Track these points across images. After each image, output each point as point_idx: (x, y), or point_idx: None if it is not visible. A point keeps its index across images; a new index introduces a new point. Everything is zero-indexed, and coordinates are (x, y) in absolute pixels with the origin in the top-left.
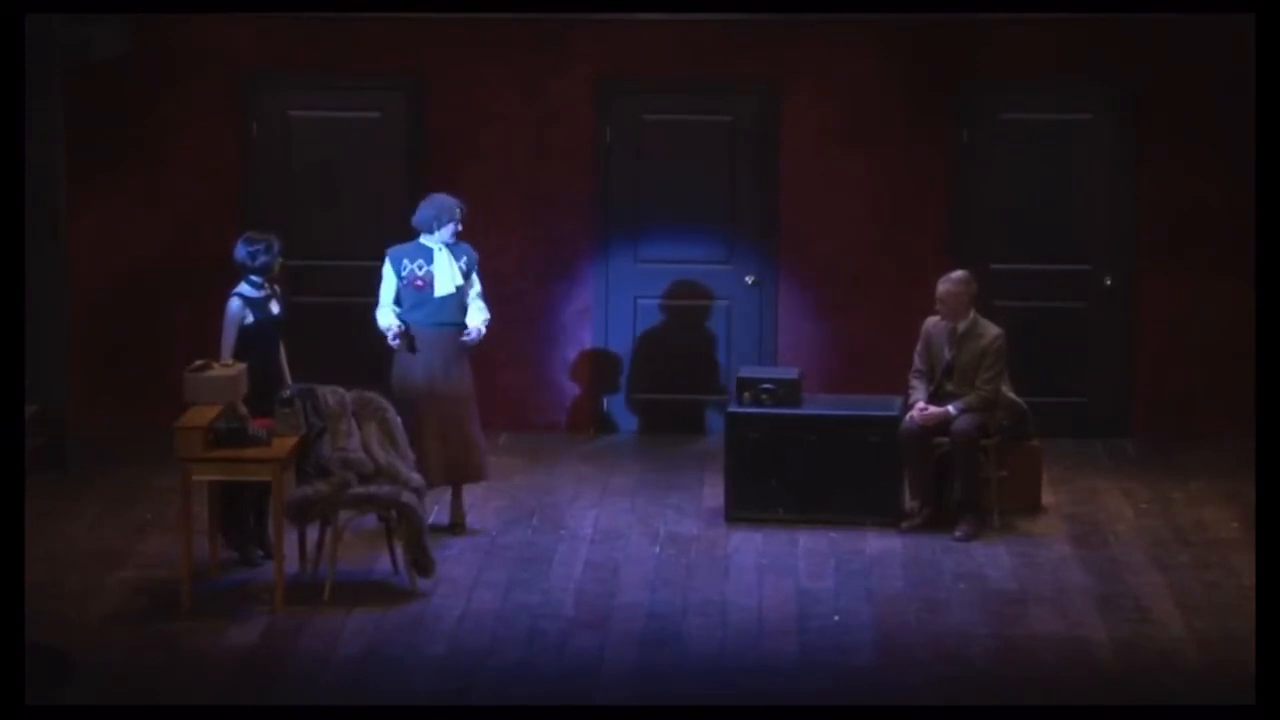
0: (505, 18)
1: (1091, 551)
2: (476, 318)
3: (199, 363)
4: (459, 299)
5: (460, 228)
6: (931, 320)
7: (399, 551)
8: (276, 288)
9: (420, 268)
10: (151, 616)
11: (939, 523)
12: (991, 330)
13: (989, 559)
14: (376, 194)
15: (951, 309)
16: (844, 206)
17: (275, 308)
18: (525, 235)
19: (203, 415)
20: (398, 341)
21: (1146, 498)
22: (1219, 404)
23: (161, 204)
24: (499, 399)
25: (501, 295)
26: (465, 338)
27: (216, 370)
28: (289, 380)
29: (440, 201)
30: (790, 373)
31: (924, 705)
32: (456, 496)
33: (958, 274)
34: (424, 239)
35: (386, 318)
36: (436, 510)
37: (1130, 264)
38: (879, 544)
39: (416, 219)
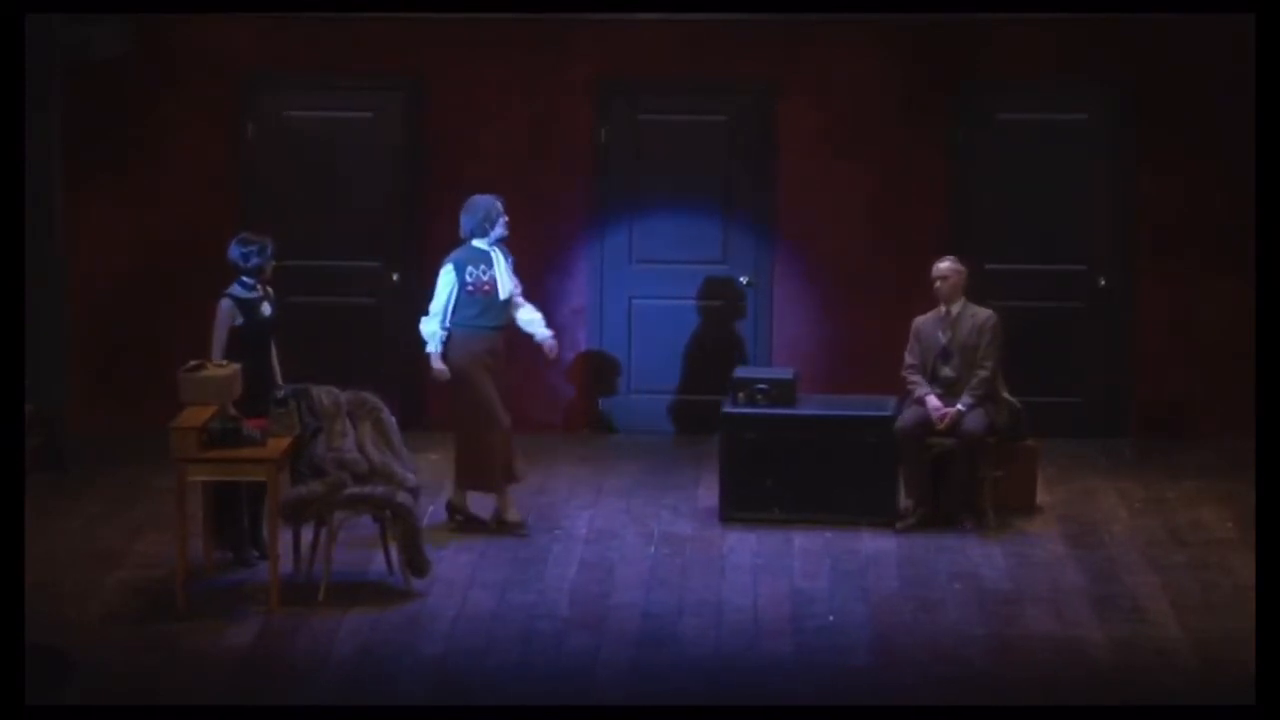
0: (504, 18)
1: (1087, 551)
2: (541, 325)
3: (193, 363)
4: (512, 300)
5: (507, 218)
6: (919, 318)
7: (394, 552)
8: (269, 289)
9: (484, 272)
10: (148, 617)
11: (934, 522)
12: (985, 310)
13: (984, 559)
14: (375, 194)
15: (952, 286)
16: (841, 206)
17: (267, 309)
18: (522, 235)
19: (197, 415)
20: (442, 370)
21: (1142, 497)
22: (1215, 404)
23: (160, 204)
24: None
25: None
26: (549, 348)
27: (211, 370)
28: (280, 381)
29: (483, 203)
30: (785, 373)
31: (920, 705)
32: (504, 495)
33: (951, 258)
34: (477, 243)
35: (433, 328)
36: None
37: (1127, 264)
38: (874, 544)
39: (467, 228)
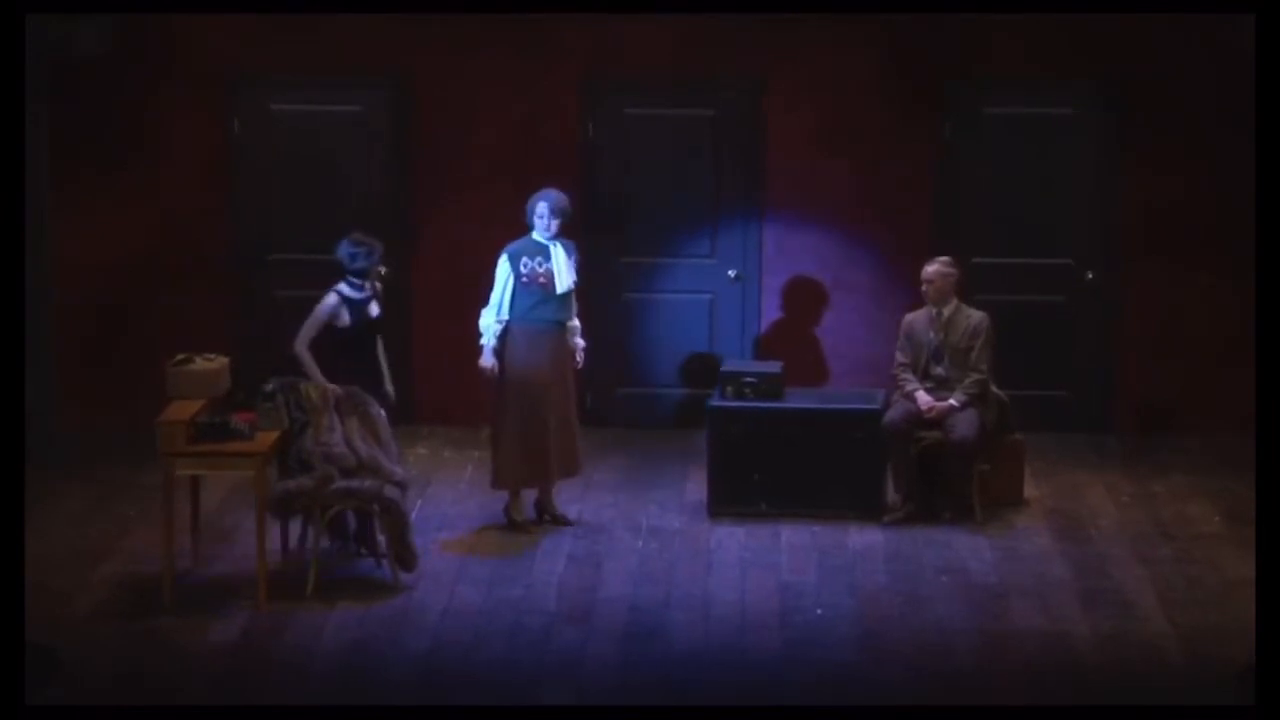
0: (492, 16)
1: (1074, 545)
2: (576, 333)
3: (181, 357)
4: (572, 295)
5: (564, 223)
6: (909, 315)
7: (382, 545)
8: (378, 285)
9: (540, 265)
10: (135, 612)
11: (921, 517)
12: (978, 313)
13: (971, 553)
14: (363, 188)
15: (939, 290)
16: (828, 200)
17: (374, 309)
18: (510, 231)
19: (185, 410)
20: (491, 365)
21: (1129, 492)
22: (1201, 398)
23: (147, 200)
24: (483, 393)
25: (484, 291)
26: (577, 357)
27: (199, 364)
28: (388, 382)
29: (533, 197)
30: (773, 367)
31: (907, 699)
32: (548, 491)
33: (943, 258)
34: (535, 235)
35: (487, 321)
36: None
37: (1113, 258)
38: (861, 538)
39: (527, 219)
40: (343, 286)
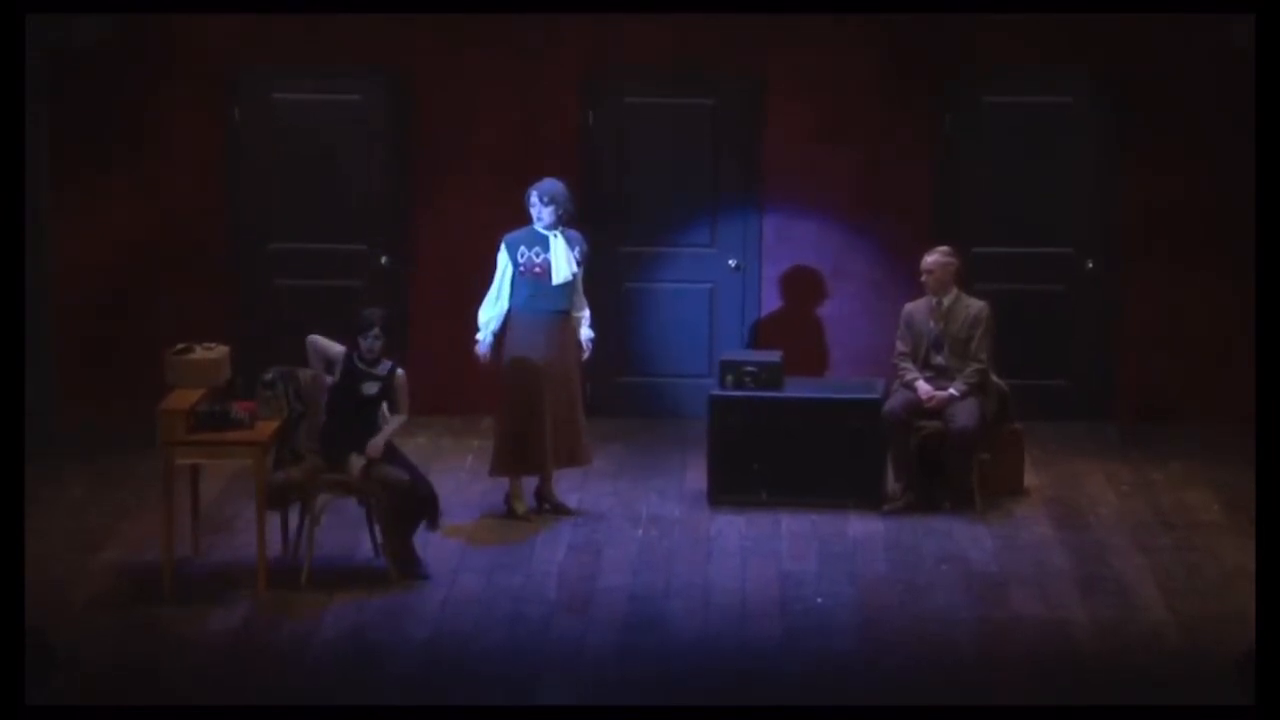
0: (492, 15)
1: (1073, 534)
2: (585, 324)
3: (181, 346)
4: (574, 285)
5: (560, 212)
6: (910, 305)
7: (379, 535)
8: (397, 376)
9: (538, 255)
10: (133, 601)
11: (921, 506)
12: (979, 302)
13: (971, 541)
14: (362, 177)
15: (939, 279)
16: (828, 190)
17: (370, 389)
18: (510, 222)
19: (185, 398)
20: (486, 354)
21: (1128, 481)
22: (1200, 388)
23: (146, 191)
24: (482, 382)
25: (485, 281)
26: (584, 350)
27: (199, 353)
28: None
29: (538, 186)
30: (773, 356)
31: (907, 688)
32: (548, 481)
33: (943, 248)
34: (536, 225)
35: (486, 316)
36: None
37: (1113, 248)
38: (861, 526)
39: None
40: (355, 354)
